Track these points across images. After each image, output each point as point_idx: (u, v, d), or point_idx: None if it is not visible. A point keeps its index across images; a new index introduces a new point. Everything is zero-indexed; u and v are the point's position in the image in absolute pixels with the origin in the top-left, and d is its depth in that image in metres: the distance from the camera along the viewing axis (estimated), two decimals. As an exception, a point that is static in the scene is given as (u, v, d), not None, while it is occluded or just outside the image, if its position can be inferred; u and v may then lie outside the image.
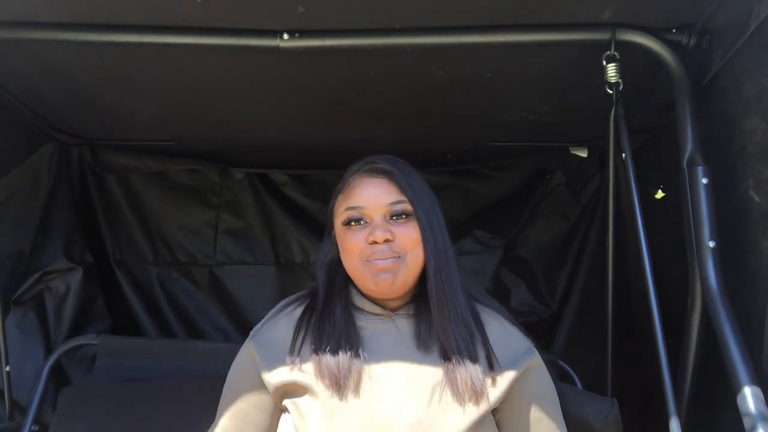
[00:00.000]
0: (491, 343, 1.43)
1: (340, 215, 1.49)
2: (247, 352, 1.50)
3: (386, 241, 1.41)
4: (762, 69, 1.47)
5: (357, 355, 1.39)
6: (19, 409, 2.15)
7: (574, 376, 2.10)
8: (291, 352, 1.44)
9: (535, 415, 1.44)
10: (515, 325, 1.52)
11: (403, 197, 1.44)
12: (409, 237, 1.42)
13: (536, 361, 1.47)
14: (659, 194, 2.00)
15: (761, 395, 1.34)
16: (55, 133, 2.41)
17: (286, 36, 1.65)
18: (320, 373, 1.38)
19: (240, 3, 1.55)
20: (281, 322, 1.52)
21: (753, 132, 1.53)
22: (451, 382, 1.36)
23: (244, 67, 1.84)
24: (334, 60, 1.77)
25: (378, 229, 1.41)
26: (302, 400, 1.39)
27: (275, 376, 1.42)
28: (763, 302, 1.45)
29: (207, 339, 2.69)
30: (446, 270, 1.43)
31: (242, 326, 2.72)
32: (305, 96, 2.04)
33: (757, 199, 1.51)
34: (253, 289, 2.76)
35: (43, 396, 2.13)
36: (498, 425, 1.43)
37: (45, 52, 1.80)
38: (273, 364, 1.43)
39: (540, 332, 2.65)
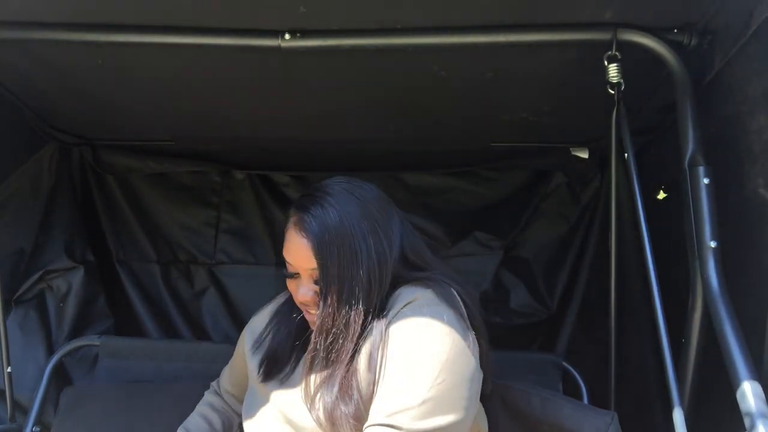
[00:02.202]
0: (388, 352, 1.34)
1: None
2: (243, 334, 1.75)
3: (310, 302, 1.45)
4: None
5: (296, 354, 1.54)
6: (20, 409, 2.15)
7: (578, 377, 2.10)
8: (257, 338, 1.64)
9: (383, 365, 1.32)
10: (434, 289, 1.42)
11: (314, 264, 1.39)
12: None
13: (406, 305, 1.37)
14: (661, 195, 2.00)
15: (762, 394, 1.34)
16: (55, 133, 2.41)
17: (287, 36, 1.66)
18: (263, 358, 1.57)
19: (241, 3, 1.55)
20: (265, 311, 1.71)
21: (760, 131, 1.53)
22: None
23: (245, 67, 1.84)
24: (335, 60, 1.77)
25: (302, 288, 1.44)
26: (249, 379, 1.61)
27: (249, 357, 1.63)
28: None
29: (209, 338, 2.69)
30: (332, 335, 1.38)
31: (242, 326, 2.71)
32: (306, 96, 2.04)
33: None
34: (254, 290, 2.77)
35: (45, 397, 2.13)
36: None
37: (46, 52, 1.80)
38: (249, 346, 1.66)
39: (541, 333, 2.65)
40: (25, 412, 2.15)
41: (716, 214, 1.56)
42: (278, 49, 1.67)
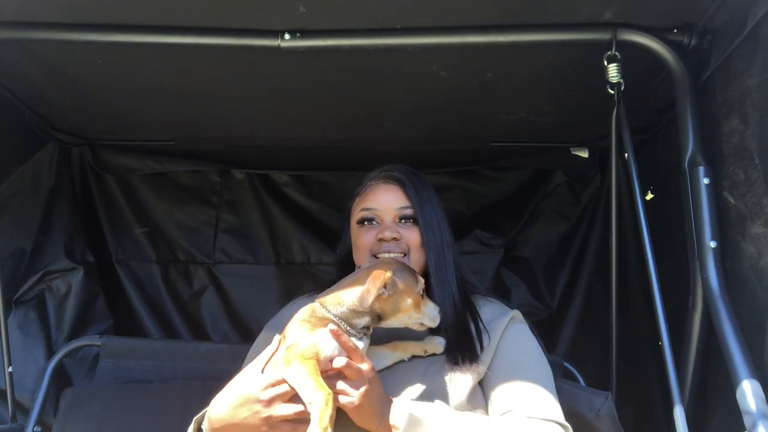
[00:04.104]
0: (483, 321, 1.60)
1: (355, 215, 1.69)
2: (265, 336, 1.68)
3: (393, 239, 1.61)
4: (749, 70, 1.47)
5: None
6: (21, 409, 2.15)
7: (579, 376, 2.10)
8: None
9: (510, 363, 1.54)
10: (499, 300, 1.73)
11: (409, 203, 1.64)
12: (413, 238, 1.63)
13: (512, 318, 1.62)
14: (649, 196, 2.01)
15: (762, 394, 1.34)
16: (55, 133, 2.41)
17: (287, 36, 1.66)
18: None
19: (241, 3, 1.55)
20: (296, 306, 1.67)
21: (731, 134, 1.54)
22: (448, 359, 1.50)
23: (244, 67, 1.84)
24: (335, 60, 1.77)
25: (387, 229, 1.62)
26: None
27: None
28: (750, 304, 1.46)
29: (208, 337, 2.69)
30: (444, 269, 1.60)
31: (242, 325, 2.72)
32: (306, 96, 2.04)
33: (733, 201, 1.52)
34: (253, 289, 2.77)
35: (46, 397, 2.13)
36: (484, 383, 1.53)
37: (46, 52, 1.80)
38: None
39: (541, 332, 2.64)
40: (26, 412, 2.15)
41: (716, 214, 1.56)
42: (278, 49, 1.67)
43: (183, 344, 2.31)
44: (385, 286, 1.40)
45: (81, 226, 2.59)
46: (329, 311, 1.42)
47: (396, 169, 1.70)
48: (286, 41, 1.66)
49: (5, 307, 2.04)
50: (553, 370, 1.62)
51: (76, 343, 2.23)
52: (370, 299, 1.38)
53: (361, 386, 1.31)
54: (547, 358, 1.66)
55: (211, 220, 2.83)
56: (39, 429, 2.08)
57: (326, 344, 1.35)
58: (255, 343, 1.74)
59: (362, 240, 1.65)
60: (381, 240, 1.61)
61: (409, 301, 1.44)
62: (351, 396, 1.31)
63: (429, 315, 1.48)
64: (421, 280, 1.48)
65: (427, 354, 1.51)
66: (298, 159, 2.76)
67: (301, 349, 1.34)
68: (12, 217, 2.34)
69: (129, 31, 1.67)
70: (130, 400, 2.07)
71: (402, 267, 1.48)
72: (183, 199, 2.81)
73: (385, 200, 1.66)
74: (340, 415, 1.32)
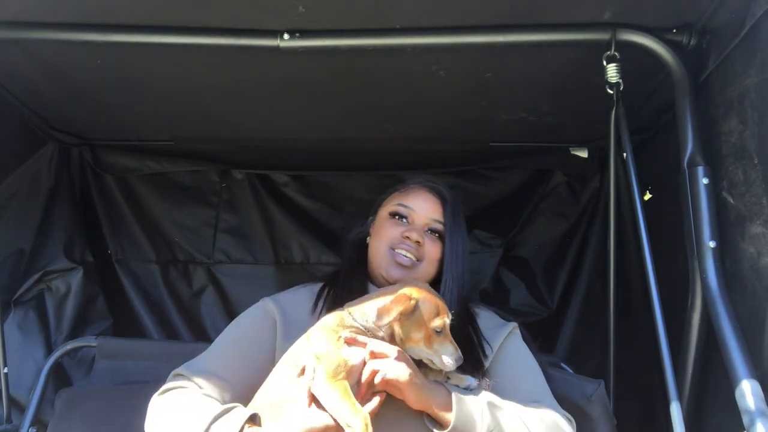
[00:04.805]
0: (480, 327, 1.69)
1: (389, 206, 1.76)
2: (266, 307, 1.69)
3: (417, 242, 1.69)
4: (747, 70, 1.48)
5: None
6: (18, 408, 2.15)
7: (575, 376, 2.11)
8: (312, 313, 1.66)
9: (516, 371, 1.64)
10: (491, 309, 1.83)
11: (443, 220, 1.72)
12: (433, 252, 1.70)
13: (509, 332, 1.71)
14: (647, 196, 2.02)
15: (761, 393, 1.34)
16: (55, 134, 2.41)
17: (286, 36, 1.66)
18: None
19: (240, 3, 1.55)
20: (302, 291, 1.76)
21: (729, 134, 1.54)
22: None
23: (244, 67, 1.85)
24: (334, 60, 1.78)
25: (416, 231, 1.70)
26: None
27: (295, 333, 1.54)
28: (750, 304, 1.46)
29: (207, 336, 2.69)
30: (459, 287, 1.68)
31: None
32: (305, 96, 2.04)
33: (732, 201, 1.53)
34: (252, 289, 2.76)
35: (42, 397, 2.13)
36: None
37: (45, 52, 1.81)
38: (294, 322, 1.62)
39: (540, 332, 2.65)
40: (23, 411, 2.14)
41: (716, 214, 1.56)
42: (277, 49, 1.67)
43: (179, 345, 2.31)
44: (404, 312, 1.41)
45: (80, 226, 2.58)
46: (356, 320, 1.45)
47: (443, 186, 1.80)
48: (286, 41, 1.66)
49: (2, 308, 2.04)
50: (550, 370, 1.64)
51: (71, 344, 2.22)
52: (388, 319, 1.40)
53: (399, 360, 1.38)
54: (542, 358, 1.69)
55: (210, 220, 2.82)
56: (34, 430, 2.08)
57: (353, 356, 1.38)
58: (250, 314, 1.73)
59: (387, 231, 1.72)
60: (406, 238, 1.68)
61: (419, 334, 1.43)
62: (398, 368, 1.36)
63: (442, 356, 1.43)
64: (446, 320, 1.45)
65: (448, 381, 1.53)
66: (297, 159, 2.76)
67: (330, 367, 1.36)
68: (11, 217, 2.34)
69: (128, 31, 1.67)
70: (125, 401, 2.07)
71: (430, 297, 1.46)
72: (182, 199, 2.81)
73: (425, 206, 1.74)
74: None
